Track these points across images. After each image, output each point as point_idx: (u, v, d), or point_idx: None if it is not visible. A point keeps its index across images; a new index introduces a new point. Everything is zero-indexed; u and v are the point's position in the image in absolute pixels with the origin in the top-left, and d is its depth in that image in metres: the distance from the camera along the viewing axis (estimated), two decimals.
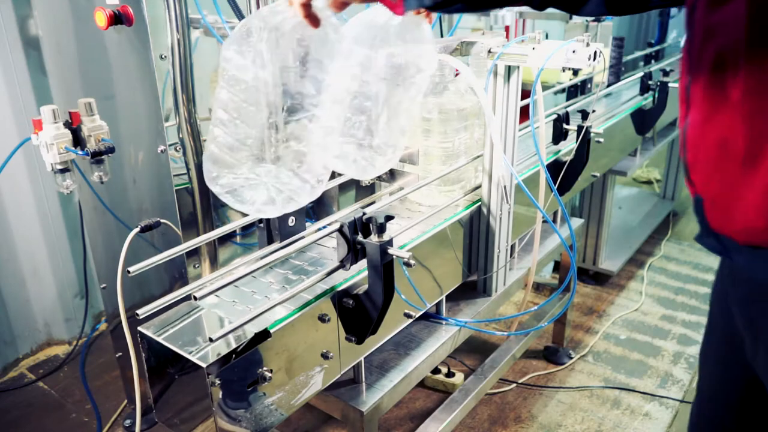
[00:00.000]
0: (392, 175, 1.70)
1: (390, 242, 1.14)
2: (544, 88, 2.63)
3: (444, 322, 1.64)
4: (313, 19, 1.00)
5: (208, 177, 1.04)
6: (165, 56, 1.39)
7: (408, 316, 1.42)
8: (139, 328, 1.09)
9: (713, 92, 0.75)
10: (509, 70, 1.48)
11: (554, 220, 2.24)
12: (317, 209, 1.82)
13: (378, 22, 1.12)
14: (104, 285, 1.88)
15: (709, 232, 0.80)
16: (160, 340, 1.05)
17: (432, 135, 1.57)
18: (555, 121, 1.93)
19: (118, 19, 1.36)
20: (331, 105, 1.10)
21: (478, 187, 1.65)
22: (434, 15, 1.18)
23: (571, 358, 2.49)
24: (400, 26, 1.12)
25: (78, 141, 1.42)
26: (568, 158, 1.88)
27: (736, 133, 0.71)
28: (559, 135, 1.95)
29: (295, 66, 1.02)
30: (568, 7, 1.03)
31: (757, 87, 0.69)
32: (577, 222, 2.41)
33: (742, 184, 0.72)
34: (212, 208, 1.60)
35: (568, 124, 1.93)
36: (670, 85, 2.63)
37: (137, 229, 1.21)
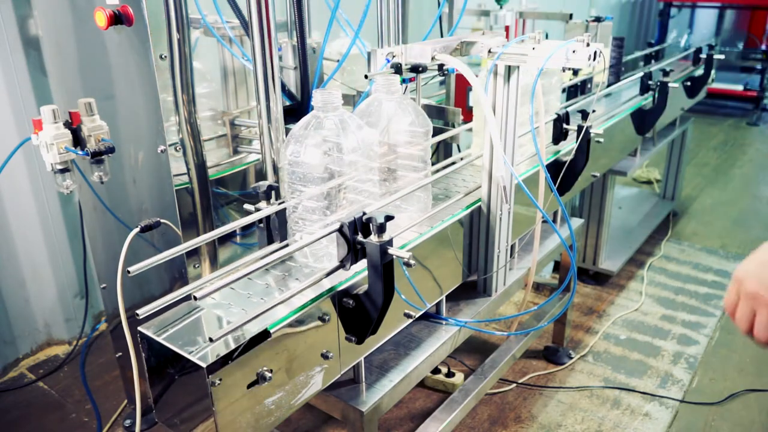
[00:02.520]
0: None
1: (390, 242, 1.14)
2: None
3: (444, 322, 1.64)
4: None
5: None
6: (165, 56, 1.39)
7: (408, 316, 1.42)
8: (139, 328, 1.09)
9: None
10: (509, 70, 1.48)
11: (554, 220, 2.24)
12: None
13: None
14: (104, 285, 1.87)
15: None
16: (160, 340, 1.05)
17: None
18: (555, 121, 1.93)
19: (118, 19, 1.36)
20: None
21: (479, 187, 1.65)
22: None
23: (571, 358, 2.49)
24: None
25: (78, 141, 1.42)
26: (568, 158, 1.88)
27: None
28: (559, 135, 1.95)
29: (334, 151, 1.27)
30: None
31: None
32: (577, 222, 2.41)
33: None
34: (212, 208, 1.60)
35: (568, 124, 1.93)
36: (670, 85, 2.63)
37: (137, 229, 1.21)
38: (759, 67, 6.43)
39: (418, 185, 1.45)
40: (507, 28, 3.43)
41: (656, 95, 2.64)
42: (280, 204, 1.27)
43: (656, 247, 3.48)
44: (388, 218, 1.12)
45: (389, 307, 1.20)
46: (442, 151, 2.26)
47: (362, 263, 1.18)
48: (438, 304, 1.65)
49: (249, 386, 1.06)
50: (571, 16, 3.28)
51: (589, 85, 2.74)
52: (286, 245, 1.27)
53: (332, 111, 1.28)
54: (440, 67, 1.56)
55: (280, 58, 1.80)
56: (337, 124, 1.28)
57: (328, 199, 1.28)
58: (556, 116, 1.93)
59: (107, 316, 2.01)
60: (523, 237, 1.88)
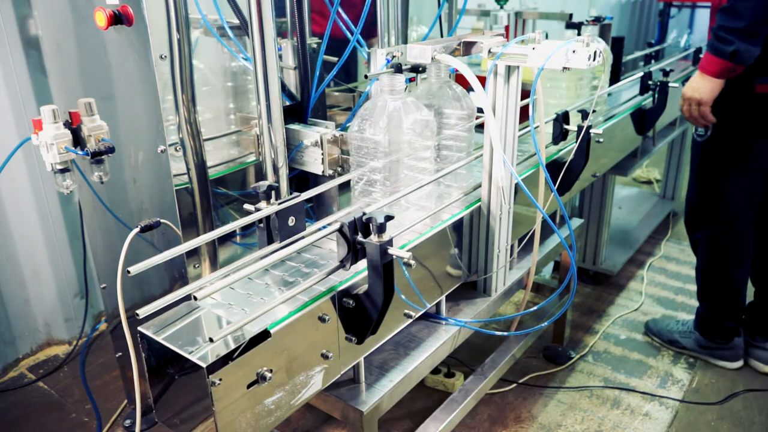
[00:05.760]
0: None
1: (390, 242, 1.14)
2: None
3: (444, 322, 1.64)
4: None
5: None
6: (165, 56, 1.39)
7: (408, 316, 1.42)
8: (139, 328, 1.09)
9: None
10: (509, 70, 1.48)
11: (554, 220, 2.24)
12: (317, 209, 1.82)
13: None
14: (104, 285, 1.87)
15: None
16: (160, 340, 1.05)
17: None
18: (555, 121, 1.93)
19: (118, 19, 1.36)
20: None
21: (478, 186, 1.65)
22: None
23: (571, 358, 2.49)
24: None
25: (78, 141, 1.42)
26: (568, 158, 1.88)
27: None
28: (559, 135, 1.95)
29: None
30: None
31: None
32: (577, 222, 2.41)
33: None
34: (212, 208, 1.60)
35: (568, 124, 1.93)
36: (670, 84, 2.62)
37: (137, 229, 1.21)
38: None
39: (462, 164, 1.64)
40: (507, 28, 3.42)
41: (656, 95, 2.64)
42: (281, 203, 1.27)
43: (656, 247, 3.48)
44: (388, 218, 1.12)
45: (389, 307, 1.20)
46: None
47: (362, 263, 1.19)
48: (438, 304, 1.65)
49: (249, 386, 1.06)
50: (571, 16, 3.26)
51: None
52: (286, 245, 1.26)
53: (396, 94, 1.43)
54: None
55: (280, 57, 1.80)
56: (399, 106, 1.43)
57: (388, 173, 1.45)
58: (555, 116, 1.93)
59: (107, 316, 2.01)
60: (523, 237, 1.88)
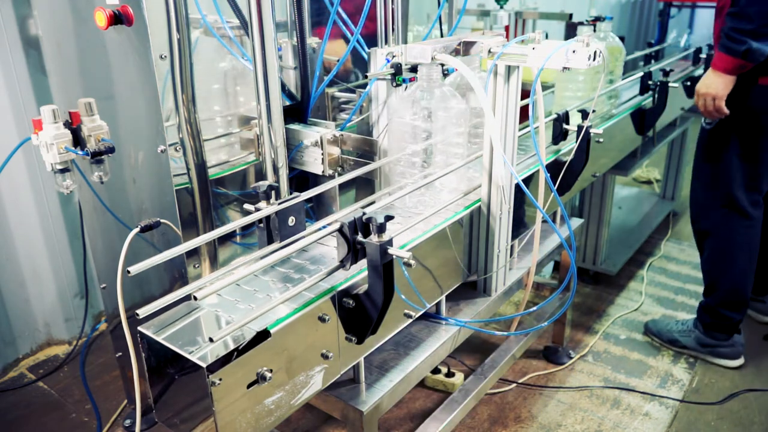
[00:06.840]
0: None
1: (390, 242, 1.14)
2: (544, 88, 2.62)
3: (444, 322, 1.64)
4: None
5: None
6: (165, 56, 1.39)
7: (408, 316, 1.42)
8: (139, 328, 1.09)
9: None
10: (509, 70, 1.48)
11: (554, 220, 2.24)
12: (317, 209, 1.82)
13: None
14: (104, 285, 1.87)
15: None
16: (160, 340, 1.05)
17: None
18: (555, 121, 1.93)
19: (118, 19, 1.36)
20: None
21: (478, 186, 1.65)
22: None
23: (571, 358, 2.49)
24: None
25: (78, 141, 1.42)
26: (568, 158, 1.88)
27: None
28: (559, 135, 1.95)
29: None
30: None
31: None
32: (577, 222, 2.41)
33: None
34: (212, 208, 1.60)
35: (568, 124, 1.93)
36: (670, 84, 2.62)
37: (137, 229, 1.21)
38: None
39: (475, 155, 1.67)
40: (507, 28, 3.42)
41: (656, 95, 2.64)
42: (281, 203, 1.27)
43: (656, 247, 3.49)
44: (388, 218, 1.12)
45: (389, 307, 1.20)
46: None
47: (362, 263, 1.19)
48: (438, 304, 1.65)
49: (249, 386, 1.06)
50: (571, 16, 3.26)
51: None
52: (286, 245, 1.27)
53: (434, 83, 1.49)
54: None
55: (280, 57, 1.80)
56: (437, 95, 1.50)
57: (425, 156, 1.54)
58: (555, 116, 1.93)
59: (107, 316, 2.01)
60: (523, 237, 1.88)
